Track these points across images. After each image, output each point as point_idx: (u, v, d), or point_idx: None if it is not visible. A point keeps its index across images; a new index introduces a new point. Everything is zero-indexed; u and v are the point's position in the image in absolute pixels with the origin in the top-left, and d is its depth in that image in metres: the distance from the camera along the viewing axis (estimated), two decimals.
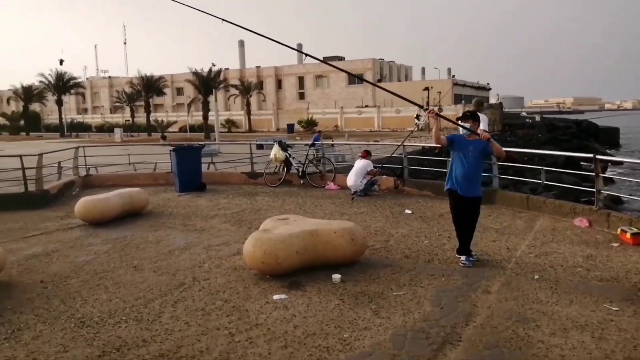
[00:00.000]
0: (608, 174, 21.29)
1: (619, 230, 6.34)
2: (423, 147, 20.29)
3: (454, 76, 67.53)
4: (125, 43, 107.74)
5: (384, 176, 10.97)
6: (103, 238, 7.06)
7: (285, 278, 5.00)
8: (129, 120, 62.88)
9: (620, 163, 27.20)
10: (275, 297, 4.57)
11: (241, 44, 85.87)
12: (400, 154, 10.99)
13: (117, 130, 46.84)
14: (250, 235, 5.36)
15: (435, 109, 6.42)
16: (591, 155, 7.65)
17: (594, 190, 7.30)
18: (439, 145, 5.69)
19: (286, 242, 5.09)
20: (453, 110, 44.27)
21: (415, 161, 14.99)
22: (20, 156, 10.04)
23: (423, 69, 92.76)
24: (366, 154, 10.68)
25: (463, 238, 5.54)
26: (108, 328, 4.02)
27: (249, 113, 59.52)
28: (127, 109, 62.75)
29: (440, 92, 42.26)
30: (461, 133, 5.53)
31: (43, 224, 8.12)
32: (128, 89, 60.50)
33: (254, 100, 64.38)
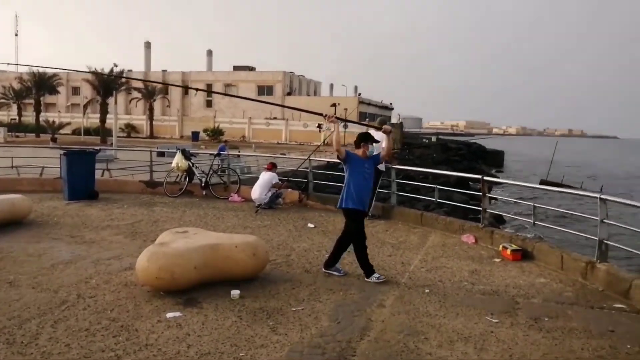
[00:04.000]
0: (493, 193, 23.11)
1: (500, 246, 6.89)
2: (328, 162, 20.74)
3: (360, 94, 69.88)
4: (17, 35, 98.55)
5: (289, 189, 11.02)
6: None
7: (181, 295, 4.80)
8: (15, 119, 57.40)
9: (504, 184, 29.76)
10: (169, 315, 4.36)
11: (147, 45, 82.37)
12: (306, 168, 11.13)
13: (1, 130, 42.56)
14: (145, 248, 5.09)
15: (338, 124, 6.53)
16: (479, 177, 8.26)
17: (481, 208, 7.89)
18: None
19: (184, 257, 4.90)
20: (357, 128, 45.75)
21: (320, 175, 15.26)
22: None
23: (331, 86, 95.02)
24: (272, 167, 10.66)
25: (342, 253, 5.72)
26: None
27: (151, 118, 57.02)
28: (14, 107, 57.27)
29: (346, 109, 43.54)
30: (356, 152, 5.68)
31: None
32: (17, 85, 55.33)
33: (157, 105, 61.87)
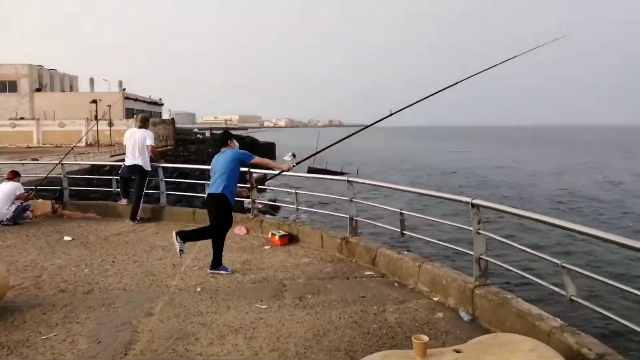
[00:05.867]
0: (265, 185, 24.15)
1: (269, 234, 7.22)
2: (92, 165, 18.81)
3: (124, 89, 65.10)
4: None
5: (40, 200, 9.61)
6: None
7: None
8: None
9: (274, 176, 31.54)
10: None
11: None
12: (60, 174, 9.86)
13: None
14: None
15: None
16: (247, 170, 8.47)
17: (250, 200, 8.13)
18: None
19: None
20: (125, 125, 42.78)
21: (82, 181, 13.71)
22: None
23: (92, 80, 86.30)
24: (13, 175, 9.07)
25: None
26: None
27: None
28: None
29: (110, 106, 40.23)
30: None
31: None
32: None
33: None
